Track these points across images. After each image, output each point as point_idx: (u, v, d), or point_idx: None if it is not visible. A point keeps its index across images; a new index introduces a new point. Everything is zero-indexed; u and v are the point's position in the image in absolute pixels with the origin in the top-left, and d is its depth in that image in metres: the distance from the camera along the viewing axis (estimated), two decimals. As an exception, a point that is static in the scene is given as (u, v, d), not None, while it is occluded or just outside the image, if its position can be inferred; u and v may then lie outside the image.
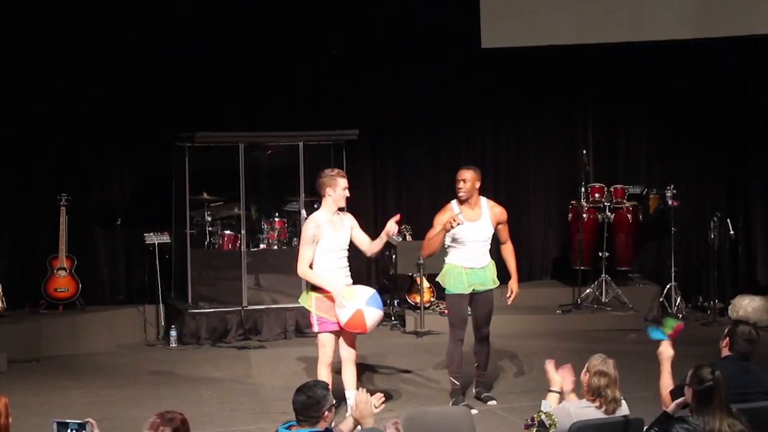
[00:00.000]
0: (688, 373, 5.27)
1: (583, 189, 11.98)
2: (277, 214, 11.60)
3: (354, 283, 7.92)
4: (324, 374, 7.67)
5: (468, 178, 8.17)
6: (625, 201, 12.06)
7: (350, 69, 12.21)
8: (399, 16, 12.22)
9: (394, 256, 11.49)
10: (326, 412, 4.91)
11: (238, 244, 11.26)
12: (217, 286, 11.39)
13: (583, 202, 11.96)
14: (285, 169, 11.66)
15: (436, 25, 12.18)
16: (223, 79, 11.89)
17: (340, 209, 7.83)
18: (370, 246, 7.91)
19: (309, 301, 7.75)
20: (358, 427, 5.33)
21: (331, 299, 7.64)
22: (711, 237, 11.58)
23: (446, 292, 8.36)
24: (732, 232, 11.64)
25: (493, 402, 8.37)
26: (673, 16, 11.85)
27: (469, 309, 8.41)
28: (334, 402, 5.08)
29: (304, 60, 12.22)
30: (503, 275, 8.52)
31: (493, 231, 8.28)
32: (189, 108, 11.65)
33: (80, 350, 10.68)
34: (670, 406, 5.46)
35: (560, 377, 5.86)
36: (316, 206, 10.85)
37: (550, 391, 5.85)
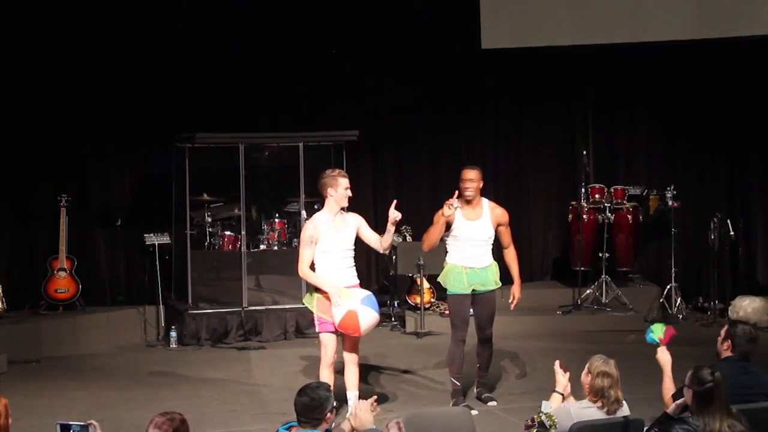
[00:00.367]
0: (688, 375, 5.27)
1: (583, 190, 11.98)
2: (277, 215, 11.60)
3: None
4: (325, 375, 7.68)
5: (474, 178, 8.21)
6: (625, 202, 12.06)
7: (350, 69, 12.21)
8: (399, 16, 12.23)
9: (394, 257, 11.49)
10: (328, 414, 4.90)
11: (238, 245, 11.26)
12: (217, 286, 11.40)
13: (584, 203, 11.96)
14: (285, 170, 11.67)
15: (436, 25, 12.19)
16: (223, 79, 11.89)
17: (343, 209, 7.83)
18: (380, 242, 7.90)
19: (312, 301, 7.77)
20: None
21: (330, 299, 7.65)
22: (711, 237, 11.57)
23: (447, 292, 8.36)
24: (732, 232, 11.63)
25: (494, 403, 8.37)
26: (673, 17, 11.84)
27: (472, 310, 8.39)
28: (335, 403, 5.07)
29: (304, 60, 12.22)
30: (506, 278, 8.51)
31: (493, 232, 8.27)
32: (189, 108, 11.66)
33: (80, 351, 10.68)
34: (671, 407, 5.47)
35: (566, 378, 5.86)
36: (316, 207, 10.89)
37: (555, 391, 5.85)
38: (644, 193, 12.31)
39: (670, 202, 11.76)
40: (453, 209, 8.03)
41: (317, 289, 7.74)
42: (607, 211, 11.80)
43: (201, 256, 11.38)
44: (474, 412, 7.20)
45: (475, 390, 8.53)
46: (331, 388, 5.24)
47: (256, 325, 11.07)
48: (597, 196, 12.02)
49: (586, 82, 12.67)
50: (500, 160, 12.81)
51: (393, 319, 11.63)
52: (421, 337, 11.03)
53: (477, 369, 8.52)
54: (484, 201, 8.32)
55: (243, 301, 11.07)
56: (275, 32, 12.02)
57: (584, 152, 12.14)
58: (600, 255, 11.68)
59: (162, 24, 11.73)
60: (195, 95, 11.74)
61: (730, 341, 6.02)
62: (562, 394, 5.84)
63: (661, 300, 11.80)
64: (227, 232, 11.37)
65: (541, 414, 5.58)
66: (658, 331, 6.13)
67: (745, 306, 11.44)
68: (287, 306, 11.15)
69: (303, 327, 11.02)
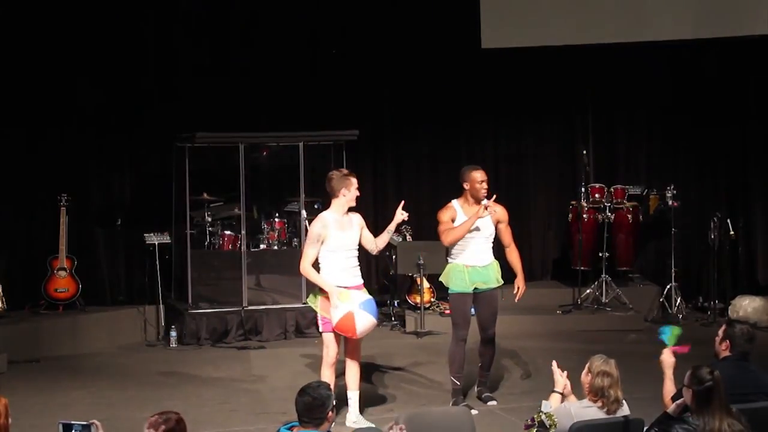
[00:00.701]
0: (687, 374, 5.27)
1: (583, 189, 11.98)
2: (277, 215, 11.60)
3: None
4: (327, 375, 7.69)
5: (487, 179, 8.29)
6: (625, 201, 12.06)
7: (350, 69, 12.22)
8: (399, 16, 12.23)
9: (394, 257, 11.49)
10: (330, 413, 4.90)
11: (238, 245, 11.26)
12: (217, 286, 11.40)
13: (584, 203, 11.96)
14: (285, 170, 11.67)
15: (436, 25, 12.19)
16: (223, 79, 11.90)
17: (350, 209, 7.85)
18: (375, 243, 7.92)
19: (315, 301, 7.78)
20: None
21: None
22: (711, 237, 11.57)
23: (449, 291, 8.37)
24: (732, 232, 11.64)
25: (494, 402, 8.37)
26: (673, 16, 11.85)
27: (474, 309, 8.40)
28: (335, 403, 5.07)
29: (304, 60, 12.23)
30: (508, 277, 8.51)
31: (493, 229, 8.29)
32: (189, 108, 11.66)
33: (80, 351, 10.68)
34: (671, 407, 5.47)
35: (564, 378, 5.86)
36: (316, 206, 10.93)
37: (554, 391, 5.86)
38: (644, 193, 12.31)
39: (670, 202, 11.76)
40: (488, 212, 8.11)
41: (321, 289, 7.75)
42: (607, 211, 11.80)
43: (201, 256, 11.38)
44: (474, 412, 7.19)
45: (476, 389, 8.53)
46: (332, 387, 5.24)
47: (256, 325, 11.07)
48: (597, 195, 12.02)
49: (586, 81, 12.66)
50: (500, 160, 12.81)
51: (393, 318, 11.63)
52: (421, 337, 11.03)
53: (479, 368, 8.52)
54: (484, 200, 8.33)
55: (243, 301, 11.07)
56: (275, 32, 12.03)
57: (584, 152, 12.14)
58: (600, 255, 11.67)
59: (162, 24, 11.72)
60: (195, 95, 11.75)
61: (728, 341, 6.02)
62: (561, 394, 5.84)
63: (661, 300, 11.80)
64: (227, 232, 11.38)
65: (541, 414, 5.58)
66: (672, 339, 6.08)
67: (745, 306, 11.44)
68: (287, 306, 11.15)
69: (303, 327, 11.02)
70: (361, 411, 7.89)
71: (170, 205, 11.40)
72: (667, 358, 6.00)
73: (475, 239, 8.21)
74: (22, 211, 11.40)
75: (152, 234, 11.23)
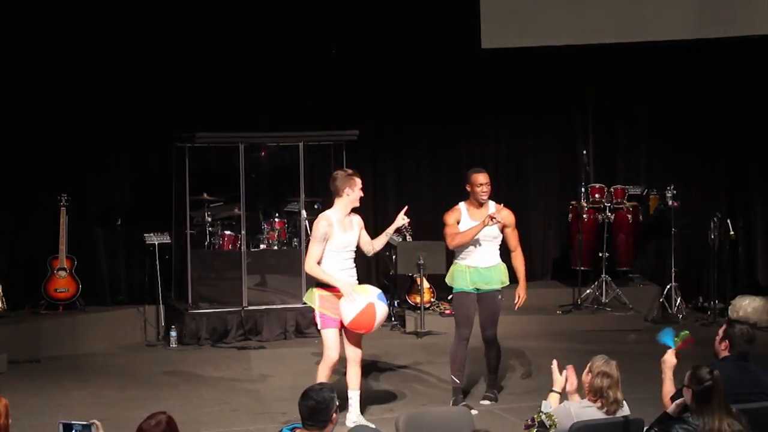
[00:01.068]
0: (687, 374, 5.27)
1: (583, 189, 11.99)
2: (277, 215, 11.60)
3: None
4: (325, 374, 7.66)
5: (488, 182, 8.30)
6: (625, 201, 12.07)
7: (350, 69, 12.22)
8: (399, 16, 12.22)
9: (394, 257, 11.49)
10: (333, 415, 4.89)
11: (238, 245, 11.26)
12: (217, 286, 11.39)
13: (584, 203, 11.96)
14: (285, 170, 11.67)
15: (436, 25, 12.19)
16: (224, 79, 11.90)
17: (312, 209, 7.84)
18: (372, 245, 7.93)
19: (313, 298, 7.75)
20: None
21: (337, 297, 7.63)
22: (711, 237, 11.57)
23: (453, 290, 8.43)
24: (732, 232, 11.64)
25: (486, 402, 8.36)
26: (673, 16, 11.85)
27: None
28: (338, 404, 5.04)
29: (304, 60, 12.23)
30: (513, 279, 8.51)
31: (498, 232, 8.29)
32: (189, 108, 11.66)
33: (80, 351, 10.68)
34: (671, 407, 5.47)
35: (563, 378, 5.86)
36: (316, 206, 10.94)
37: (552, 391, 5.86)
38: (644, 193, 12.31)
39: (670, 202, 11.76)
40: (494, 222, 8.16)
41: (318, 286, 7.73)
42: (607, 211, 11.80)
43: (201, 256, 11.38)
44: (474, 412, 7.21)
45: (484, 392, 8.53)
46: (334, 388, 5.23)
47: (256, 325, 11.07)
48: (597, 195, 12.02)
49: (586, 81, 12.66)
50: (500, 160, 12.81)
51: (393, 318, 11.62)
52: (421, 337, 11.03)
53: (486, 371, 8.55)
54: (491, 202, 8.36)
55: (243, 301, 11.07)
56: (275, 32, 12.03)
57: (584, 152, 12.14)
58: (600, 255, 11.68)
59: (162, 24, 11.72)
60: (195, 95, 11.74)
61: (728, 341, 6.03)
62: (560, 393, 5.85)
63: (661, 300, 11.81)
64: (227, 232, 11.38)
65: (541, 414, 5.58)
66: (679, 341, 6.07)
67: (745, 306, 11.43)
68: (287, 306, 11.15)
69: (303, 327, 11.02)
70: (362, 411, 7.88)
71: (170, 205, 11.40)
72: (669, 358, 5.99)
73: (479, 242, 8.24)
74: (22, 211, 11.39)
75: (152, 234, 11.23)
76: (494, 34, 11.98)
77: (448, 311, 11.35)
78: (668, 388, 5.90)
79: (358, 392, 7.84)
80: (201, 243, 11.42)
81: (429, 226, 12.16)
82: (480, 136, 12.84)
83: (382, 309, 7.64)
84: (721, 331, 6.11)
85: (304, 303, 8.03)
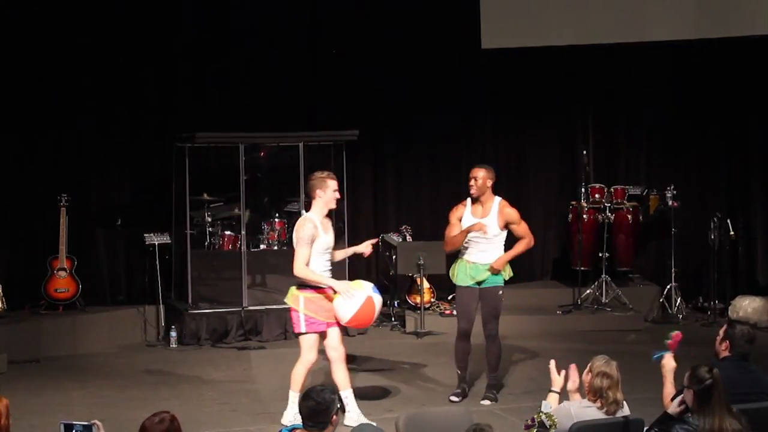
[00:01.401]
0: (686, 375, 5.28)
1: (583, 189, 11.99)
2: (277, 215, 11.60)
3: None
4: (302, 375, 7.70)
5: (479, 177, 8.31)
6: (625, 201, 12.07)
7: (350, 69, 12.21)
8: (399, 16, 12.22)
9: (394, 257, 11.49)
10: (334, 417, 4.89)
11: (238, 245, 11.26)
12: (217, 286, 11.39)
13: (584, 203, 11.96)
14: (285, 170, 11.66)
15: (436, 25, 12.18)
16: (224, 79, 11.89)
17: (331, 211, 7.86)
18: (334, 255, 7.95)
19: (297, 300, 7.74)
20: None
21: (327, 298, 7.66)
22: (711, 237, 11.57)
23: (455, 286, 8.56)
24: (732, 232, 11.64)
25: (486, 402, 8.38)
26: (673, 16, 11.85)
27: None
28: (339, 406, 5.04)
29: (304, 60, 12.23)
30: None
31: (498, 230, 8.31)
32: (189, 108, 11.66)
33: (80, 351, 10.67)
34: (671, 407, 5.46)
35: (562, 378, 5.86)
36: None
37: (551, 391, 5.86)
38: (644, 193, 12.31)
39: (670, 202, 11.76)
40: (481, 233, 8.23)
41: (303, 288, 7.71)
42: (607, 211, 11.81)
43: (201, 256, 11.38)
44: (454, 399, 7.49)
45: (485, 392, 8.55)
46: (336, 390, 5.20)
47: (256, 325, 11.07)
48: (597, 195, 12.02)
49: (586, 81, 12.67)
50: (500, 160, 12.79)
51: (393, 318, 11.63)
52: (421, 337, 11.03)
53: (486, 369, 8.58)
54: (496, 200, 8.38)
55: (243, 301, 11.07)
56: (275, 32, 12.02)
57: (584, 151, 12.14)
58: (600, 255, 11.68)
59: (162, 24, 11.72)
60: (195, 95, 11.74)
61: (728, 342, 6.03)
62: (560, 393, 5.85)
63: (661, 300, 11.81)
64: (227, 232, 11.38)
65: (541, 414, 5.58)
66: (667, 340, 6.08)
67: (745, 306, 11.43)
68: (287, 306, 11.08)
69: (303, 327, 11.01)
70: (362, 411, 7.86)
71: (170, 205, 11.40)
72: (668, 362, 5.99)
73: (476, 239, 8.29)
74: (22, 211, 11.39)
75: (152, 234, 11.22)
76: (494, 34, 11.98)
77: (448, 311, 11.35)
78: (669, 390, 5.90)
79: (351, 390, 7.82)
80: (201, 243, 11.42)
81: (429, 226, 12.18)
82: (480, 136, 12.84)
83: (379, 301, 7.74)
84: (721, 332, 6.12)
85: (285, 303, 8.01)
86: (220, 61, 11.92)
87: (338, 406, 4.96)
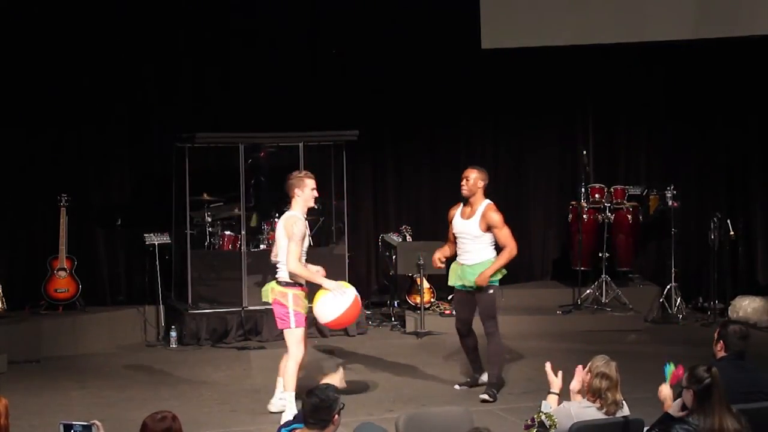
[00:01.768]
0: (684, 377, 5.28)
1: (583, 189, 11.99)
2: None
3: (354, 284, 8.19)
4: (295, 372, 7.82)
5: (471, 177, 8.43)
6: (625, 201, 12.06)
7: (350, 69, 12.21)
8: (399, 16, 12.22)
9: (394, 257, 11.48)
10: (336, 416, 4.89)
11: (238, 245, 11.26)
12: (217, 286, 11.38)
13: (583, 203, 11.96)
14: (285, 170, 11.63)
15: (436, 25, 12.18)
16: (224, 79, 11.89)
17: (310, 209, 7.99)
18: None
19: (285, 297, 7.83)
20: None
21: (305, 297, 7.88)
22: (711, 237, 11.57)
23: None
24: (732, 232, 11.64)
25: (484, 396, 8.43)
26: (673, 17, 11.84)
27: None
28: (343, 406, 5.04)
29: (304, 60, 12.22)
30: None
31: (480, 232, 8.44)
32: (189, 108, 11.66)
33: (80, 351, 10.67)
34: (672, 406, 5.46)
35: (559, 378, 5.86)
36: (316, 207, 10.90)
37: (550, 393, 5.86)
38: (644, 193, 12.31)
39: (670, 202, 11.76)
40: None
41: (286, 284, 7.86)
42: (607, 211, 11.81)
43: (201, 256, 11.38)
44: (456, 387, 7.99)
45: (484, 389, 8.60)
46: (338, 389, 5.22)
47: (256, 325, 11.06)
48: (597, 195, 12.02)
49: (586, 81, 12.66)
50: (500, 160, 12.80)
51: (393, 319, 11.63)
52: (421, 337, 11.03)
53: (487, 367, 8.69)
54: (484, 202, 8.47)
55: (243, 301, 11.06)
56: (275, 32, 12.03)
57: (584, 152, 12.14)
58: (600, 255, 11.68)
59: (162, 24, 11.72)
60: (195, 95, 11.74)
61: (722, 342, 6.06)
62: (558, 394, 5.85)
63: (661, 300, 11.81)
64: (227, 232, 11.37)
65: (541, 414, 5.58)
66: (668, 374, 6.01)
67: (745, 306, 11.44)
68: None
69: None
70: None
71: (170, 206, 11.40)
72: (664, 390, 5.89)
73: (462, 239, 8.52)
74: (22, 211, 11.39)
75: (152, 234, 11.22)
76: (494, 35, 11.97)
77: (448, 311, 11.35)
78: (668, 405, 5.81)
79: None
80: (201, 243, 11.42)
81: (429, 226, 12.18)
82: (480, 137, 12.84)
83: (359, 299, 8.01)
84: (716, 334, 6.16)
85: (262, 298, 8.15)
86: (220, 61, 11.92)
87: (341, 407, 4.97)
